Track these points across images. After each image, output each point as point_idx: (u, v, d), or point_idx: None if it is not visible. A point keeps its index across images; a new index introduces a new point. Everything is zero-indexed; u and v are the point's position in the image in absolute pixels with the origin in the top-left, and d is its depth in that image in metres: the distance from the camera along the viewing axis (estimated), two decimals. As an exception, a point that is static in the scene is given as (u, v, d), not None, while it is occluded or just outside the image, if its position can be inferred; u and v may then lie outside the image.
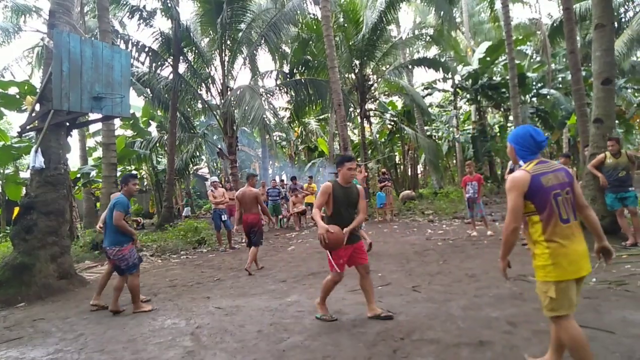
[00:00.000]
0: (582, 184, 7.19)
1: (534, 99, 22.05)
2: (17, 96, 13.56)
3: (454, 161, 28.99)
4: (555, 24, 19.50)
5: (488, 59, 19.46)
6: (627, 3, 18.93)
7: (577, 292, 2.53)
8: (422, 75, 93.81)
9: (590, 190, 7.01)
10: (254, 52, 17.41)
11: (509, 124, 22.55)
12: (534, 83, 21.53)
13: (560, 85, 21.38)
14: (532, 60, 23.04)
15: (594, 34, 7.31)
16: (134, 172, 6.02)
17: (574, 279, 2.48)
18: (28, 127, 7.55)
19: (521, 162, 2.65)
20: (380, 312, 4.12)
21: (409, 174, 27.68)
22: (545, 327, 3.51)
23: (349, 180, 4.16)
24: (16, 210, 7.83)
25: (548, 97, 20.60)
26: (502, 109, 22.83)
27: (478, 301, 4.46)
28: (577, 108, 8.34)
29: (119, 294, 5.29)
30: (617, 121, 14.29)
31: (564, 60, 21.54)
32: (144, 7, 15.21)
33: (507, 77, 17.22)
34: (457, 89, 22.20)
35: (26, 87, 13.17)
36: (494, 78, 20.42)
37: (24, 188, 13.13)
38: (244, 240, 11.06)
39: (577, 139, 18.81)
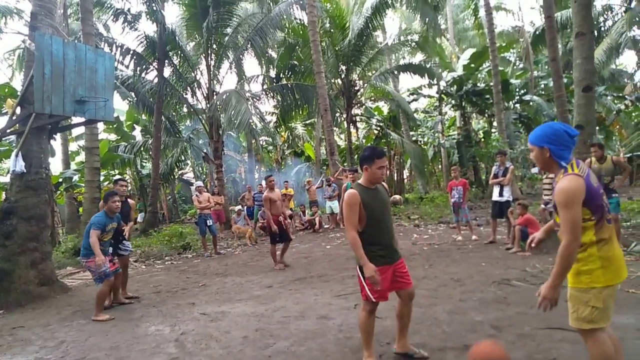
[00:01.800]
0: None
1: (517, 105, 22.39)
2: (-3, 99, 13.30)
3: (440, 166, 29.25)
4: (537, 32, 19.88)
5: (472, 65, 19.72)
6: (606, 12, 19.38)
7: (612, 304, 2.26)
8: (407, 81, 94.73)
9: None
10: (240, 56, 17.36)
11: (492, 130, 22.84)
12: (517, 89, 21.88)
13: (543, 92, 21.75)
14: (515, 67, 23.41)
15: (575, 42, 7.46)
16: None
17: (612, 286, 2.22)
18: (8, 131, 7.39)
19: (563, 163, 2.31)
20: (415, 351, 3.32)
21: (395, 178, 27.85)
22: (530, 331, 3.56)
23: (378, 182, 3.24)
24: (-5, 215, 7.63)
25: (531, 103, 20.94)
26: (486, 115, 23.13)
27: (463, 305, 4.49)
28: (559, 114, 8.47)
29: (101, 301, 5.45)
30: (597, 127, 14.58)
31: (546, 67, 21.96)
32: (129, 10, 15.07)
33: (491, 84, 17.49)
34: (442, 95, 22.44)
35: (7, 90, 12.90)
36: (478, 84, 20.70)
37: (4, 193, 12.86)
38: (244, 245, 11.01)
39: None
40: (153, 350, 3.97)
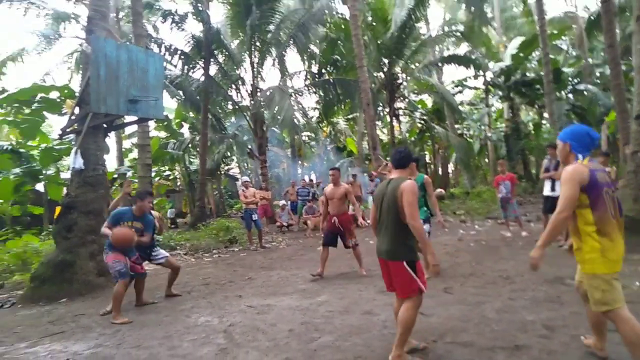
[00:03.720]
0: (624, 183, 6.91)
1: (570, 95, 21.34)
2: (58, 100, 14.18)
3: (486, 160, 28.41)
4: (592, 17, 18.79)
5: (521, 54, 18.96)
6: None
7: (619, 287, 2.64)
8: (452, 73, 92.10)
9: (632, 189, 6.73)
10: (283, 52, 17.55)
11: (543, 122, 21.90)
12: (570, 79, 20.84)
13: (598, 81, 20.62)
14: (567, 55, 22.34)
15: (635, 26, 7.01)
16: (148, 190, 5.85)
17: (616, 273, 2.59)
18: (68, 130, 7.83)
19: (580, 156, 2.74)
20: (417, 344, 3.40)
21: (440, 173, 27.29)
22: (585, 332, 3.41)
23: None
24: (58, 209, 8.14)
25: (585, 92, 19.90)
26: (536, 106, 22.21)
27: (513, 304, 4.36)
28: (617, 104, 8.03)
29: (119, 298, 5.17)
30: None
31: (602, 54, 20.78)
32: (176, 11, 15.56)
33: (542, 73, 16.77)
34: (489, 86, 21.74)
35: (66, 91, 13.75)
36: (528, 74, 19.89)
37: (65, 188, 13.68)
38: (274, 240, 11.19)
39: (617, 136, 18.07)
40: (203, 340, 4.12)
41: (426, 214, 5.68)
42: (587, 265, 2.63)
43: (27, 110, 14.80)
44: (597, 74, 21.09)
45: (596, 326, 2.89)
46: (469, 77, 22.34)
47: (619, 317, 2.56)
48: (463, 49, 23.54)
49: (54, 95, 14.05)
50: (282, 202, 14.54)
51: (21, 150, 16.07)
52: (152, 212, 6.20)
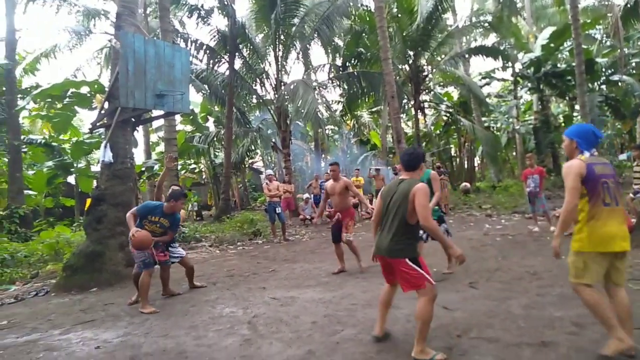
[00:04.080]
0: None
1: (603, 87, 20.58)
2: (88, 95, 14.56)
3: (514, 153, 27.78)
4: (629, 5, 18.00)
5: (552, 45, 18.34)
6: None
7: (618, 266, 2.95)
8: (479, 65, 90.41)
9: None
10: (307, 46, 17.51)
11: (574, 114, 21.23)
12: (604, 69, 20.08)
13: (634, 71, 19.81)
14: (601, 45, 21.49)
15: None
16: (179, 189, 5.78)
17: (601, 252, 2.90)
18: (98, 124, 8.02)
19: (586, 153, 3.05)
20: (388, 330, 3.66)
21: (466, 166, 26.84)
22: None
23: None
24: (88, 201, 8.38)
25: (619, 83, 19.17)
26: (567, 98, 21.52)
27: (540, 300, 4.26)
28: (654, 95, 7.69)
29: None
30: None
31: (639, 43, 19.95)
32: (202, 6, 15.70)
33: (573, 64, 16.20)
34: (518, 78, 21.16)
35: (96, 86, 14.09)
36: (559, 65, 19.25)
37: (95, 181, 14.09)
38: (300, 234, 11.24)
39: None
40: (228, 330, 4.18)
41: (438, 213, 5.70)
42: (575, 244, 3.00)
43: (59, 105, 15.26)
44: (633, 64, 20.27)
45: (620, 318, 2.92)
46: (497, 69, 21.81)
47: (581, 290, 2.95)
48: (491, 39, 22.99)
49: (85, 90, 14.42)
50: (306, 195, 14.59)
51: (54, 143, 16.63)
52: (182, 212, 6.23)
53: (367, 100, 18.88)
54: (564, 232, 3.07)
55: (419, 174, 3.55)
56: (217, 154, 24.90)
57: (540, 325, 3.59)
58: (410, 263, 3.20)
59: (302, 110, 13.80)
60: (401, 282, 3.33)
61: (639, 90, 18.02)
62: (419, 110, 19.61)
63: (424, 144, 22.64)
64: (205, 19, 15.71)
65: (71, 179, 18.39)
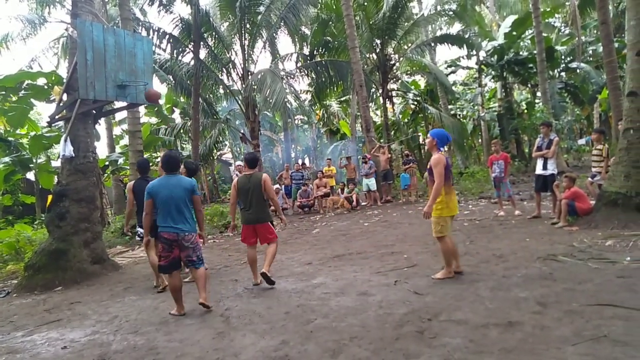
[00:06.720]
0: (616, 160, 6.94)
1: (563, 74, 21.28)
2: (46, 87, 13.92)
3: (480, 140, 28.44)
4: (585, -6, 18.66)
5: (514, 33, 18.80)
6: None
7: (450, 224, 4.76)
8: (445, 53, 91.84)
9: (624, 166, 6.75)
10: (274, 35, 17.27)
11: (536, 100, 21.87)
12: (563, 57, 20.76)
13: (591, 59, 20.56)
14: (560, 33, 22.20)
15: (629, 2, 6.95)
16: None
17: (452, 215, 4.74)
18: (57, 117, 7.72)
19: (442, 149, 4.82)
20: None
21: (433, 154, 27.27)
22: (578, 308, 3.46)
23: None
24: (49, 198, 8.08)
25: (578, 71, 19.86)
26: (529, 85, 22.15)
27: (506, 282, 4.40)
28: (610, 81, 8.01)
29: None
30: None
31: (595, 31, 20.70)
32: (164, -7, 15.20)
33: (535, 52, 16.68)
34: (482, 66, 21.60)
35: (53, 78, 13.50)
36: (521, 53, 19.73)
37: (56, 176, 13.56)
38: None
39: (609, 113, 18.11)
40: (200, 325, 4.13)
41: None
42: (436, 211, 4.59)
43: (14, 98, 14.53)
44: (590, 52, 21.02)
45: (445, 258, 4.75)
46: (462, 57, 22.19)
47: (443, 240, 4.64)
48: (456, 28, 23.31)
49: (41, 81, 13.79)
50: (276, 186, 14.52)
51: (10, 138, 15.89)
52: None
53: (335, 89, 18.84)
54: (434, 202, 4.56)
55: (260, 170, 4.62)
56: (184, 146, 24.40)
57: (507, 306, 3.70)
58: (270, 225, 5.29)
59: (271, 100, 13.64)
60: (261, 238, 5.30)
61: (596, 78, 18.70)
62: (387, 99, 19.76)
63: (392, 132, 22.88)
64: (168, 7, 15.22)
65: (30, 175, 17.65)
